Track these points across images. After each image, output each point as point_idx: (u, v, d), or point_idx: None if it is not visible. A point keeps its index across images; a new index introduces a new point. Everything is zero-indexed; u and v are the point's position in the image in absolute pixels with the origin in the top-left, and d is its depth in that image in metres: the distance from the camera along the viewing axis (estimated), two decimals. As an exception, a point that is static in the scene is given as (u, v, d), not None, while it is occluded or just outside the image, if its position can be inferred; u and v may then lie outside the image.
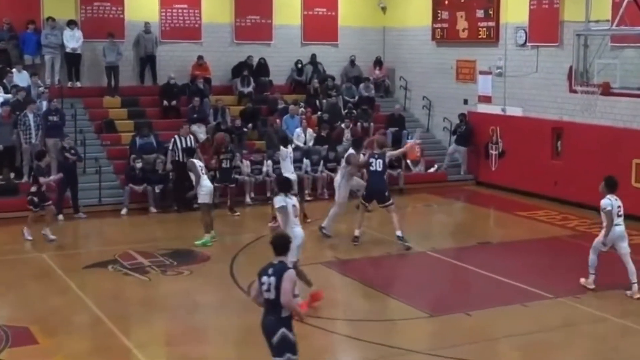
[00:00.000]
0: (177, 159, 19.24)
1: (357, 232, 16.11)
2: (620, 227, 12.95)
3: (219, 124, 22.01)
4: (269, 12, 25.03)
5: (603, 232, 13.06)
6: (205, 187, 16.07)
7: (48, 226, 16.40)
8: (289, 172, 17.58)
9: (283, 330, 8.20)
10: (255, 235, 16.68)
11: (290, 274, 8.22)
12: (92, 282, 13.83)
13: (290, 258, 11.05)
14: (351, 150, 16.65)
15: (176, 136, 19.48)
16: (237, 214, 18.95)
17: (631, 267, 13.00)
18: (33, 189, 16.39)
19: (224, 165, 19.60)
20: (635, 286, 12.88)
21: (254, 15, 24.90)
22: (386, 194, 16.03)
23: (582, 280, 13.36)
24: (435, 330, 11.75)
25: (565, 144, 20.24)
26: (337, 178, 16.85)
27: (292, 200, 12.32)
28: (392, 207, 15.99)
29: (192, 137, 19.81)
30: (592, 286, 13.20)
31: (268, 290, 8.15)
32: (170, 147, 19.56)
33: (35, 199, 16.23)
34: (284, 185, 12.75)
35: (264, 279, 8.23)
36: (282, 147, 18.16)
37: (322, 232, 16.58)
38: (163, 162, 19.68)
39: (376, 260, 15.36)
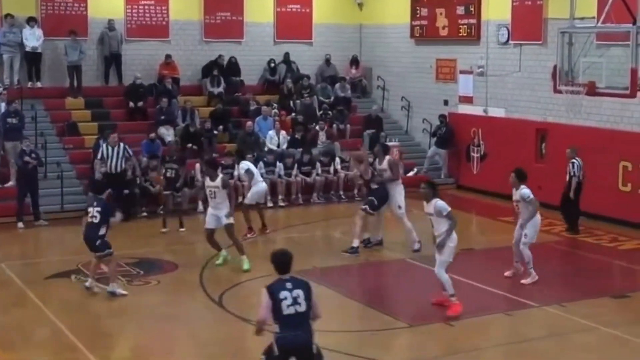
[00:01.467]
0: (109, 170, 18.60)
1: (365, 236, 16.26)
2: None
3: (187, 126, 21.95)
4: (240, 9, 25.02)
5: (521, 221, 13.84)
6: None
7: None
8: (259, 181, 17.54)
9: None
10: (226, 244, 16.61)
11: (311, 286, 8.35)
12: (54, 293, 13.72)
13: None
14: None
15: (103, 145, 18.80)
16: (183, 229, 17.97)
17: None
18: None
19: (168, 174, 19.50)
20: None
21: (224, 12, 24.86)
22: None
23: (524, 280, 13.86)
24: (415, 341, 11.75)
25: (549, 146, 20.35)
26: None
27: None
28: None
29: (122, 145, 18.85)
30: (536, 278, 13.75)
31: (296, 303, 8.10)
32: (98, 156, 18.89)
33: None
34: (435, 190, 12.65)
35: (284, 294, 8.13)
36: (241, 163, 17.89)
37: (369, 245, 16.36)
38: (132, 167, 19.55)
39: (354, 268, 15.34)
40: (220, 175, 14.99)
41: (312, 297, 8.23)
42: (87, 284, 13.41)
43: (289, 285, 8.17)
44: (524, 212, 13.91)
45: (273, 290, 8.15)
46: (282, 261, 8.33)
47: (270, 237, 17.67)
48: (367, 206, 15.98)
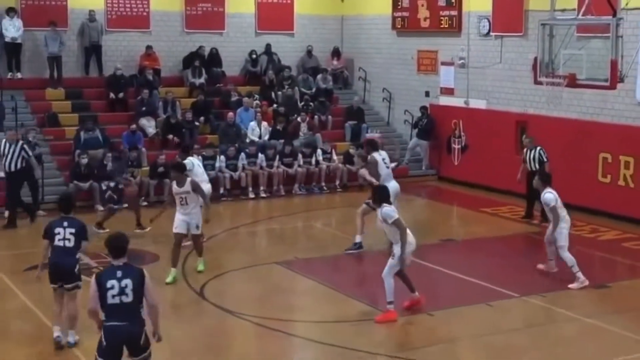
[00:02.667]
0: (7, 169, 17.62)
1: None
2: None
3: (168, 118, 21.90)
4: (221, 0, 24.95)
5: (551, 227, 13.67)
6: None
7: None
8: (204, 181, 15.56)
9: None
10: (207, 234, 16.61)
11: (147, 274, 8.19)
12: (35, 285, 13.62)
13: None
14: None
15: (2, 141, 17.88)
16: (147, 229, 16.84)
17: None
18: None
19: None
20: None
21: (205, 3, 24.81)
22: None
23: (572, 285, 13.50)
24: (396, 332, 11.79)
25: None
26: None
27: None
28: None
29: (20, 143, 17.66)
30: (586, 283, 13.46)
31: (122, 293, 8.03)
32: None
33: None
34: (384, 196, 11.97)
35: (112, 282, 8.06)
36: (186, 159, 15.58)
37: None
38: (111, 159, 19.51)
39: (336, 259, 15.38)
40: (189, 178, 13.69)
41: (146, 286, 8.11)
42: (56, 335, 10.85)
43: (119, 273, 8.08)
44: (550, 215, 13.72)
45: (101, 279, 8.10)
46: (115, 245, 8.23)
47: (252, 229, 17.68)
48: (370, 200, 15.91)
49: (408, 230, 11.84)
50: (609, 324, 11.76)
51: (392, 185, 15.25)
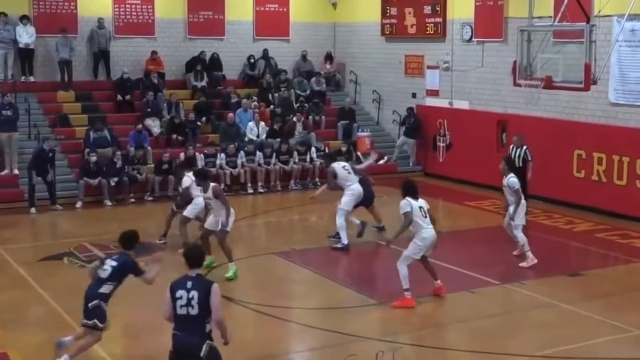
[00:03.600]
0: None
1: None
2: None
3: (172, 118, 21.87)
4: (222, 8, 24.90)
5: (512, 208, 13.91)
6: None
7: None
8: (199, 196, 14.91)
9: (209, 342, 7.80)
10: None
11: (217, 288, 7.79)
12: (48, 275, 13.65)
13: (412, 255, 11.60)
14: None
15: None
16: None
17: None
18: None
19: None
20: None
21: (206, 11, 24.74)
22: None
23: (522, 264, 13.85)
24: (386, 317, 11.80)
25: (510, 135, 20.43)
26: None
27: (418, 202, 11.79)
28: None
29: None
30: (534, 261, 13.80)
31: (189, 305, 7.69)
32: None
33: None
34: (409, 189, 11.89)
35: (181, 292, 7.72)
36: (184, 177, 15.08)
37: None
38: (119, 156, 19.54)
39: (330, 250, 15.37)
40: (212, 185, 13.19)
41: (213, 301, 7.70)
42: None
43: (189, 284, 7.72)
44: (509, 198, 14.05)
45: (173, 287, 7.80)
46: (192, 256, 7.92)
47: (251, 222, 17.66)
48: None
49: (426, 224, 11.75)
50: (585, 310, 11.78)
51: (355, 188, 15.33)
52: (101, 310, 9.37)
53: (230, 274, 13.19)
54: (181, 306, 7.72)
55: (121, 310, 12.16)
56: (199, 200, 14.23)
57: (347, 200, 15.36)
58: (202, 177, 13.29)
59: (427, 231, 11.80)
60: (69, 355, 9.40)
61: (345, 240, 15.11)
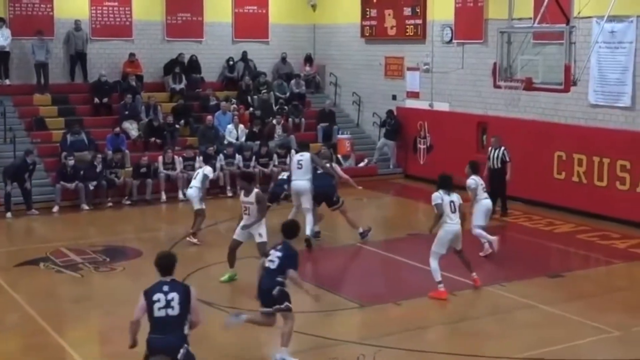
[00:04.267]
0: None
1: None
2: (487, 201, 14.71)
3: (151, 121, 21.77)
4: (200, 10, 24.83)
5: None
6: None
7: None
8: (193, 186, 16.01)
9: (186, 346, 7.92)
10: (188, 231, 16.54)
11: (195, 291, 8.04)
12: (24, 280, 13.52)
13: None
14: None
15: None
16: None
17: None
18: None
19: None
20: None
21: (184, 13, 24.66)
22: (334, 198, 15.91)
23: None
24: (366, 320, 11.78)
25: (490, 137, 20.47)
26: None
27: (450, 197, 12.35)
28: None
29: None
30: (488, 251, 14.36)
31: (168, 306, 7.83)
32: None
33: None
34: (442, 182, 12.52)
35: (158, 295, 7.86)
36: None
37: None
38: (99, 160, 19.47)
39: (309, 253, 15.32)
40: (255, 190, 13.02)
41: (192, 302, 7.94)
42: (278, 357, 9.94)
43: (165, 288, 7.89)
44: (473, 199, 14.59)
45: (148, 293, 7.91)
46: (164, 264, 8.07)
47: (231, 225, 17.49)
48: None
49: (450, 219, 12.25)
50: (566, 311, 11.80)
51: (295, 184, 15.63)
52: (286, 293, 9.84)
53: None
54: (159, 308, 7.82)
55: (98, 314, 12.10)
56: None
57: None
58: (247, 180, 13.29)
59: (450, 225, 12.28)
60: (284, 349, 9.78)
61: (307, 231, 15.14)
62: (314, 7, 26.67)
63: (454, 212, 12.28)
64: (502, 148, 17.68)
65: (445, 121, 22.08)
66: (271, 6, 25.89)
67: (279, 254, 9.88)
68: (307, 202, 15.48)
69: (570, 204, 18.32)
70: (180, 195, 20.02)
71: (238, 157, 21.14)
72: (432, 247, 12.43)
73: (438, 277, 12.37)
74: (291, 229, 10.21)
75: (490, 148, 18.05)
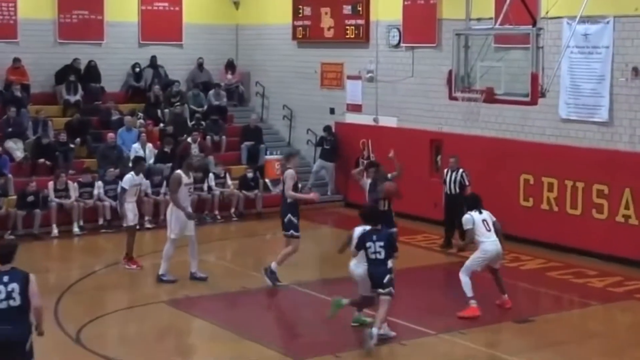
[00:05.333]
0: None
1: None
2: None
3: (39, 139, 21.49)
4: (100, 7, 24.75)
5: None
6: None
7: None
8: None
9: None
10: (84, 272, 16.32)
11: (34, 277, 9.02)
12: None
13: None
14: None
15: None
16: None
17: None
18: None
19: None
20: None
21: (81, 10, 24.54)
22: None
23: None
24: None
25: (445, 158, 20.68)
26: None
27: (482, 215, 13.90)
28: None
29: None
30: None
31: (9, 297, 8.81)
32: None
33: None
34: (472, 203, 14.19)
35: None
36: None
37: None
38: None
39: (231, 296, 15.25)
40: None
41: (31, 288, 8.92)
42: (377, 331, 12.21)
43: (5, 278, 8.86)
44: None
45: None
46: (3, 252, 9.07)
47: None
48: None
49: (486, 237, 13.74)
50: (535, 362, 11.93)
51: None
52: (393, 280, 12.44)
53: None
54: (1, 300, 8.80)
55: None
56: None
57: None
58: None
59: (488, 244, 13.74)
60: (377, 328, 12.15)
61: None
62: (236, 4, 26.77)
63: (489, 230, 13.78)
64: (461, 170, 17.86)
65: (392, 139, 22.15)
66: (185, 3, 25.93)
67: (380, 243, 12.39)
68: None
69: (538, 236, 18.55)
70: (76, 229, 19.75)
71: (146, 182, 20.92)
72: (467, 263, 13.83)
73: (470, 293, 13.58)
74: (371, 213, 13.14)
75: (446, 170, 18.21)
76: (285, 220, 15.60)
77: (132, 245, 16.84)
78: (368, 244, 12.47)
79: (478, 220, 13.79)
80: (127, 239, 16.88)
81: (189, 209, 15.97)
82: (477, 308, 13.56)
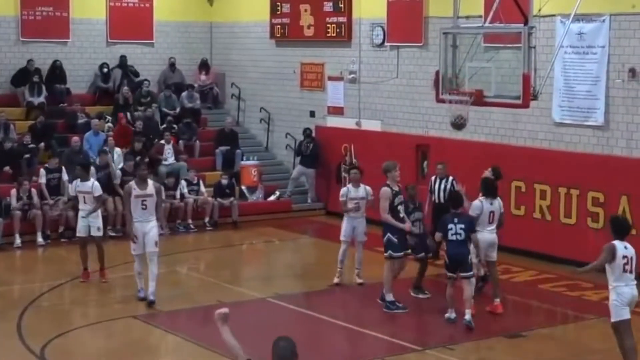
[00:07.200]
0: None
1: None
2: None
3: (1, 144, 21.43)
4: (65, 3, 24.75)
5: None
6: None
7: None
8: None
9: None
10: (49, 284, 16.27)
11: None
12: None
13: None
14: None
15: None
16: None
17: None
18: None
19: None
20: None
21: (45, 7, 24.51)
22: None
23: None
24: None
25: (432, 163, 20.72)
26: None
27: (490, 207, 14.81)
28: None
29: None
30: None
31: None
32: None
33: None
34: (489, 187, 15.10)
35: None
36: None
37: None
38: None
39: (205, 310, 15.21)
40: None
41: None
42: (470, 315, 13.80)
43: None
44: None
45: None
46: None
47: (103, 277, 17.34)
48: None
49: (483, 227, 14.52)
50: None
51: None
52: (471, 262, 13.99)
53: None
54: None
55: None
56: None
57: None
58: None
59: (482, 234, 14.45)
60: (469, 309, 13.67)
61: None
62: (210, 0, 26.73)
63: (491, 222, 14.68)
64: (451, 178, 17.86)
65: (376, 144, 22.23)
66: (156, -1, 25.92)
67: (462, 225, 13.75)
68: None
69: (531, 246, 18.61)
70: (40, 239, 19.68)
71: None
72: (473, 260, 14.43)
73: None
74: (457, 198, 14.43)
75: (434, 178, 18.24)
76: (385, 239, 15.14)
77: (85, 257, 16.59)
78: (449, 226, 13.74)
79: (486, 210, 14.63)
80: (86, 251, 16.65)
81: (134, 225, 15.13)
82: (500, 305, 14.62)
